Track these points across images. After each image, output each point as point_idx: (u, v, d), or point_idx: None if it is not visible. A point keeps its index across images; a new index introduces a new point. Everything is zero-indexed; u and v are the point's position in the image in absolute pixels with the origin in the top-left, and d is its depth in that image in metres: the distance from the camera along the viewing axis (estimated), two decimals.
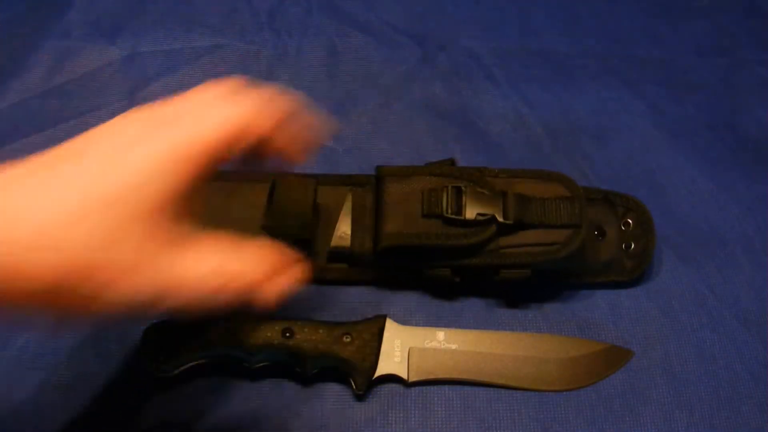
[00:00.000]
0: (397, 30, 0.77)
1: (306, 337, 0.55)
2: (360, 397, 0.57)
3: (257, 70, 0.73)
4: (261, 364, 0.56)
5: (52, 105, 0.70)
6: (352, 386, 0.56)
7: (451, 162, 0.63)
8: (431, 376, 0.57)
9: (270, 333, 0.55)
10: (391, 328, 0.58)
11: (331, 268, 0.62)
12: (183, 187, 0.39)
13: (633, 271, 0.62)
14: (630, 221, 0.63)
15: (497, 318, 0.61)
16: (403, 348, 0.57)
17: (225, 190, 0.65)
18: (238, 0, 0.78)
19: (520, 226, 0.58)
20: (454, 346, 0.58)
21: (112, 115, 0.69)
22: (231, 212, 0.64)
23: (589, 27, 0.78)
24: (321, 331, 0.56)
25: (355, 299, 0.61)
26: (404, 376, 0.57)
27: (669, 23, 0.79)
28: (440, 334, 0.58)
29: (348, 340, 0.56)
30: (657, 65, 0.75)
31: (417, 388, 0.58)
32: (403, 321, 0.59)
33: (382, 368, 0.57)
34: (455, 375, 0.58)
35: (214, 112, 0.41)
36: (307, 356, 0.55)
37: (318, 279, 0.62)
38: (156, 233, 0.37)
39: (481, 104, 0.72)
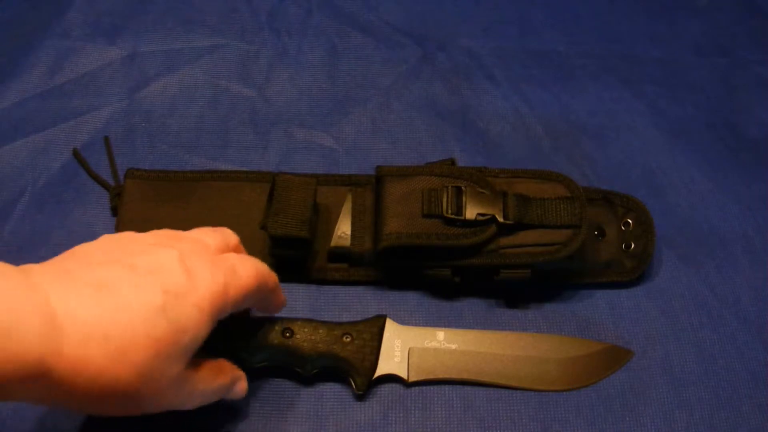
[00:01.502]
0: (397, 30, 0.77)
1: (306, 337, 0.55)
2: (360, 397, 0.57)
3: (257, 70, 0.73)
4: (261, 364, 0.56)
5: (52, 105, 0.70)
6: (352, 386, 0.56)
7: (451, 162, 0.62)
8: (431, 376, 0.57)
9: (270, 333, 0.55)
10: (390, 328, 0.58)
11: (331, 268, 0.62)
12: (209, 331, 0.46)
13: (633, 271, 0.62)
14: (630, 221, 0.63)
15: (497, 318, 0.61)
16: (403, 348, 0.57)
17: (225, 190, 0.65)
18: (238, 0, 0.78)
19: (520, 226, 0.58)
20: (453, 346, 0.58)
21: (112, 115, 0.70)
22: (231, 212, 0.64)
23: (589, 27, 0.78)
24: (321, 331, 0.56)
25: (355, 299, 0.61)
26: (404, 376, 0.57)
27: (669, 23, 0.79)
28: (440, 334, 0.58)
29: (348, 340, 0.56)
30: (657, 65, 0.75)
31: (417, 388, 0.58)
32: (403, 321, 0.59)
33: (382, 368, 0.57)
34: (455, 375, 0.57)
35: (249, 265, 0.49)
36: (307, 356, 0.55)
37: (318, 279, 0.62)
38: (183, 369, 0.45)
39: (481, 104, 0.72)
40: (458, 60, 0.75)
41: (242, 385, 0.53)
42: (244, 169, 0.67)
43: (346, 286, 0.62)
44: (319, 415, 0.56)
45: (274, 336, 0.55)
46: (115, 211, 0.64)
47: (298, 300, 0.61)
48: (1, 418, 0.56)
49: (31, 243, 0.63)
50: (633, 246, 0.62)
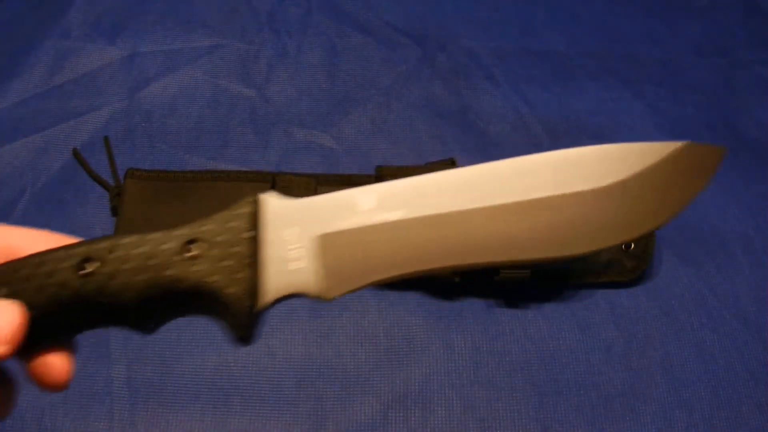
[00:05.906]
0: (397, 30, 0.77)
1: (117, 267, 0.32)
2: (244, 341, 0.33)
3: (257, 70, 0.73)
4: (49, 323, 0.33)
5: (52, 105, 0.70)
6: (228, 329, 0.33)
7: (451, 162, 0.63)
8: (368, 279, 0.33)
9: (55, 272, 0.32)
10: (273, 211, 0.33)
11: None
12: None
13: (633, 271, 0.62)
14: None
15: (497, 318, 0.61)
16: (304, 239, 0.33)
17: (225, 190, 0.65)
18: (238, 0, 0.78)
19: None
20: (395, 216, 0.33)
21: (112, 115, 0.70)
22: None
23: (589, 27, 0.78)
24: (142, 248, 0.33)
25: (356, 299, 0.61)
26: (317, 289, 0.33)
27: (668, 23, 0.79)
28: (365, 200, 0.33)
29: (196, 251, 0.33)
30: (657, 65, 0.75)
31: (415, 391, 0.57)
32: (402, 321, 0.59)
33: (271, 288, 0.33)
34: (414, 265, 0.33)
35: None
36: (126, 299, 0.32)
37: None
38: None
39: (481, 104, 0.72)
40: (458, 60, 0.75)
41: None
42: (244, 169, 0.67)
43: None
44: (319, 415, 0.56)
45: (62, 274, 0.32)
46: (115, 211, 0.64)
47: (296, 300, 0.61)
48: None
49: None
50: (633, 246, 0.62)
